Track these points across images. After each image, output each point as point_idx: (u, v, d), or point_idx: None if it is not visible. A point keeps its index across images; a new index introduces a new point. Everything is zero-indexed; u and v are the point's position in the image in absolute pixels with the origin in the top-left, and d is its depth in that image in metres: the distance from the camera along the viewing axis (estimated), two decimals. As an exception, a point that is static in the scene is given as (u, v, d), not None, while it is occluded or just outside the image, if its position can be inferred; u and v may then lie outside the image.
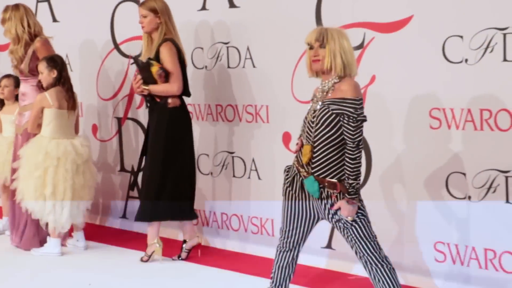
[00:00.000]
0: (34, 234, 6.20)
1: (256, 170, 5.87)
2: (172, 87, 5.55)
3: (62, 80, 6.00)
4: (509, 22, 4.45)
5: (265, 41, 5.72)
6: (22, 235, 6.23)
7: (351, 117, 3.84)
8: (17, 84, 6.75)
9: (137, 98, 6.69)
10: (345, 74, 3.93)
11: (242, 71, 5.88)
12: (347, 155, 3.86)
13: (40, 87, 6.09)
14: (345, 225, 3.93)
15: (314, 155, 3.93)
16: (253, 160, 5.89)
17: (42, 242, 6.19)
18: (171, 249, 5.88)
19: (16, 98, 6.71)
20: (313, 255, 5.49)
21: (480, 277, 4.72)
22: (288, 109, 5.60)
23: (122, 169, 6.92)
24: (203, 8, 6.08)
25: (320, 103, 3.95)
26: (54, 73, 5.97)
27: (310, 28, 5.30)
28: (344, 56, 3.90)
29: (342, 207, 3.88)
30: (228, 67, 5.92)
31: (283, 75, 5.60)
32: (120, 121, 6.90)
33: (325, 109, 3.90)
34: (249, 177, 5.91)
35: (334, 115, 3.87)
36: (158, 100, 5.60)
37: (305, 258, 5.47)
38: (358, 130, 3.85)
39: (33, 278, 5.46)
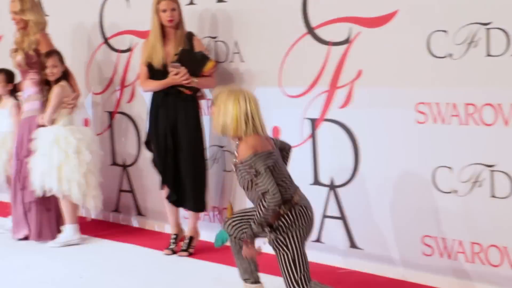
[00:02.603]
0: (42, 224, 6.29)
1: (246, 164, 5.90)
2: (213, 81, 5.71)
3: (67, 74, 6.26)
4: (492, 17, 4.46)
5: (253, 35, 5.73)
6: (29, 227, 6.30)
7: (253, 177, 4.00)
8: (9, 79, 6.77)
9: (127, 92, 6.71)
10: (234, 135, 4.11)
11: (230, 65, 5.89)
12: (261, 201, 4.01)
13: (43, 82, 6.15)
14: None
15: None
16: (242, 154, 5.91)
17: (53, 232, 6.28)
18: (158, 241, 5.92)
19: (11, 92, 6.74)
20: (303, 248, 5.54)
21: (467, 271, 4.76)
22: (277, 104, 5.62)
23: (114, 163, 6.95)
24: (191, 2, 6.08)
25: (234, 168, 4.16)
26: (63, 67, 6.18)
27: (297, 22, 5.40)
28: (223, 119, 4.06)
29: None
30: (217, 61, 5.93)
31: (271, 70, 5.62)
32: (111, 115, 6.91)
33: (238, 174, 4.10)
34: (238, 171, 5.94)
35: (244, 178, 4.07)
36: (188, 92, 5.65)
37: (295, 251, 5.53)
38: (265, 182, 3.98)
39: (25, 271, 5.51)
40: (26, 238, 6.35)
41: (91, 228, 6.60)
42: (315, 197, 5.42)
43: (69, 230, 6.19)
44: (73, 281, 5.24)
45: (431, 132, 4.82)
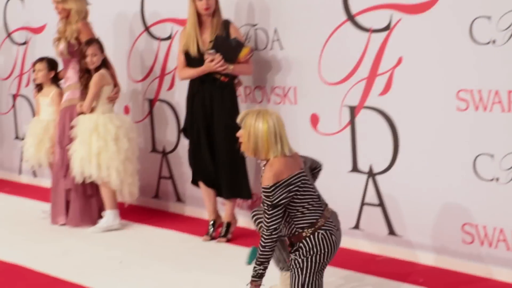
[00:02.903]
0: (83, 210, 6.38)
1: (284, 151, 5.90)
2: (250, 68, 5.74)
3: (107, 62, 6.34)
4: (536, 3, 4.41)
5: (292, 23, 5.72)
6: (67, 212, 6.40)
7: (265, 204, 3.96)
8: (51, 66, 6.85)
9: (167, 80, 6.75)
10: (265, 157, 4.05)
11: (270, 53, 5.90)
12: (260, 240, 3.98)
13: (83, 70, 6.23)
14: None
15: None
16: (281, 142, 5.91)
17: (92, 218, 6.38)
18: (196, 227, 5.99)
19: (53, 80, 6.83)
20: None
21: (508, 259, 4.72)
22: (316, 91, 5.62)
23: (154, 149, 7.00)
24: (230, -10, 6.11)
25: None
26: (103, 56, 6.27)
27: (338, 9, 5.38)
28: (254, 141, 4.02)
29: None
30: (256, 49, 5.94)
31: (310, 57, 5.61)
32: (151, 103, 6.97)
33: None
34: (278, 158, 5.94)
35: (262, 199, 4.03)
36: (224, 79, 5.68)
37: (333, 239, 5.53)
38: (271, 217, 3.94)
39: (65, 255, 5.59)
40: (64, 224, 6.44)
41: (132, 214, 6.67)
42: (354, 185, 5.45)
43: (109, 216, 6.27)
44: (113, 266, 5.30)
45: (473, 119, 4.77)
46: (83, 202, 6.41)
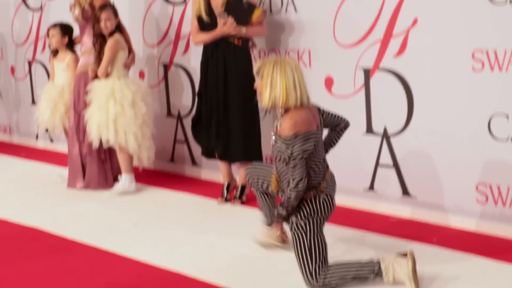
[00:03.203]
0: (99, 174, 6.45)
1: (299, 114, 5.90)
2: (263, 30, 5.74)
3: (121, 27, 6.34)
4: (553, -40, 4.35)
5: (306, -16, 5.71)
6: (84, 176, 6.45)
7: (286, 157, 3.94)
8: (65, 31, 6.87)
9: (182, 44, 6.74)
10: (286, 105, 3.98)
11: (285, 16, 5.87)
12: (287, 189, 3.98)
13: (97, 35, 6.23)
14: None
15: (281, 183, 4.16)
16: (296, 104, 5.91)
17: (108, 182, 6.46)
18: (211, 190, 6.04)
19: (68, 46, 6.84)
20: (355, 197, 5.55)
21: (521, 218, 4.73)
22: (331, 53, 5.60)
23: (169, 114, 7.02)
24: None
25: (273, 136, 4.08)
26: (117, 21, 6.27)
27: (352, -30, 5.34)
28: (272, 91, 3.97)
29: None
30: (270, 12, 5.91)
31: (325, 19, 5.58)
32: (166, 67, 6.97)
33: (274, 145, 4.04)
34: (292, 121, 5.94)
35: (279, 153, 4.01)
36: (238, 42, 5.67)
37: (347, 200, 5.56)
38: (294, 169, 3.92)
39: (82, 218, 5.64)
40: (81, 188, 6.49)
41: (147, 177, 6.71)
42: (368, 146, 5.45)
43: (125, 180, 6.32)
44: (129, 229, 5.35)
45: (488, 79, 4.74)
46: (99, 166, 6.46)
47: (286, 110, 4.01)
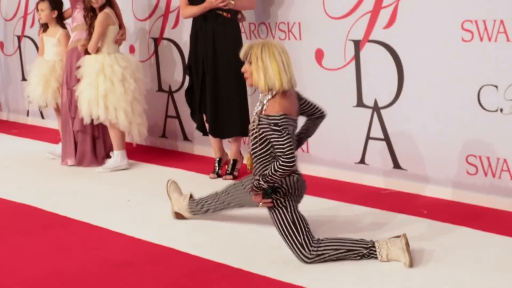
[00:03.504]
0: (91, 151, 6.45)
1: (290, 87, 5.89)
2: (253, 3, 5.74)
3: (111, 1, 6.28)
4: None
5: (295, -44, 5.67)
6: (75, 153, 6.45)
7: (274, 135, 3.91)
8: (54, 6, 6.79)
9: (172, 18, 6.71)
10: (278, 88, 3.98)
11: (273, -12, 5.85)
12: (276, 161, 3.93)
13: (88, 9, 6.20)
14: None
15: (254, 164, 4.17)
16: (286, 78, 5.89)
17: (100, 158, 6.46)
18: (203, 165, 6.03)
19: (58, 20, 6.78)
20: (347, 170, 5.56)
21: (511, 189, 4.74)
22: (321, 26, 5.58)
23: (160, 89, 7.00)
24: None
25: (256, 116, 4.05)
26: None
27: None
28: (265, 74, 3.97)
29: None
30: (255, -18, 5.89)
31: (314, -9, 5.57)
32: (156, 41, 6.94)
33: (256, 125, 4.03)
34: (283, 95, 5.93)
35: (262, 132, 3.99)
36: (227, 15, 5.65)
37: (339, 174, 5.57)
38: (286, 143, 3.89)
39: (74, 195, 5.64)
40: (73, 165, 6.49)
41: (139, 153, 6.71)
42: (359, 119, 5.44)
43: (117, 156, 6.31)
44: (121, 205, 5.35)
45: (477, 50, 4.74)
46: (90, 143, 6.45)
47: (274, 94, 4.01)
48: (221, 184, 5.72)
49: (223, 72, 5.68)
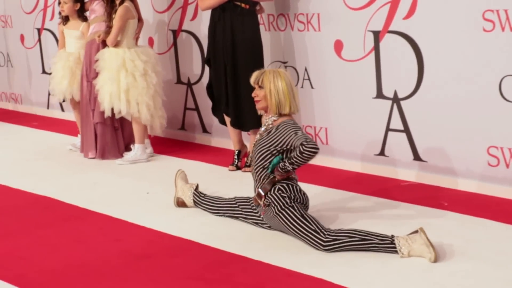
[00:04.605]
0: (111, 143, 6.47)
1: (309, 79, 5.87)
2: None
3: None
4: None
5: None
6: (96, 146, 6.47)
7: (296, 131, 4.22)
8: (77, -1, 6.81)
9: (190, 10, 6.70)
10: (288, 112, 4.34)
11: (293, -21, 5.83)
12: (300, 147, 4.15)
13: (107, 2, 6.22)
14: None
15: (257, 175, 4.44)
16: (305, 69, 5.88)
17: (120, 151, 6.48)
18: (222, 157, 6.05)
19: (79, 13, 6.78)
20: (367, 162, 5.54)
21: (533, 181, 4.70)
22: (340, 17, 5.55)
23: (179, 81, 7.00)
24: None
25: (263, 129, 4.42)
26: None
27: None
28: (277, 97, 4.30)
29: None
30: (275, -26, 5.87)
31: (333, -18, 5.53)
32: (175, 34, 6.93)
33: (265, 136, 4.35)
34: (302, 87, 5.92)
35: (286, 132, 4.27)
36: (245, 6, 5.64)
37: (359, 166, 5.55)
38: (304, 135, 4.20)
39: (94, 187, 5.66)
40: (94, 158, 6.51)
41: (158, 145, 6.71)
42: (378, 111, 5.41)
43: (137, 149, 6.32)
44: (140, 197, 5.37)
45: (499, 40, 4.69)
46: (110, 136, 6.46)
47: (281, 115, 4.34)
48: (240, 176, 5.74)
49: (242, 64, 5.67)
